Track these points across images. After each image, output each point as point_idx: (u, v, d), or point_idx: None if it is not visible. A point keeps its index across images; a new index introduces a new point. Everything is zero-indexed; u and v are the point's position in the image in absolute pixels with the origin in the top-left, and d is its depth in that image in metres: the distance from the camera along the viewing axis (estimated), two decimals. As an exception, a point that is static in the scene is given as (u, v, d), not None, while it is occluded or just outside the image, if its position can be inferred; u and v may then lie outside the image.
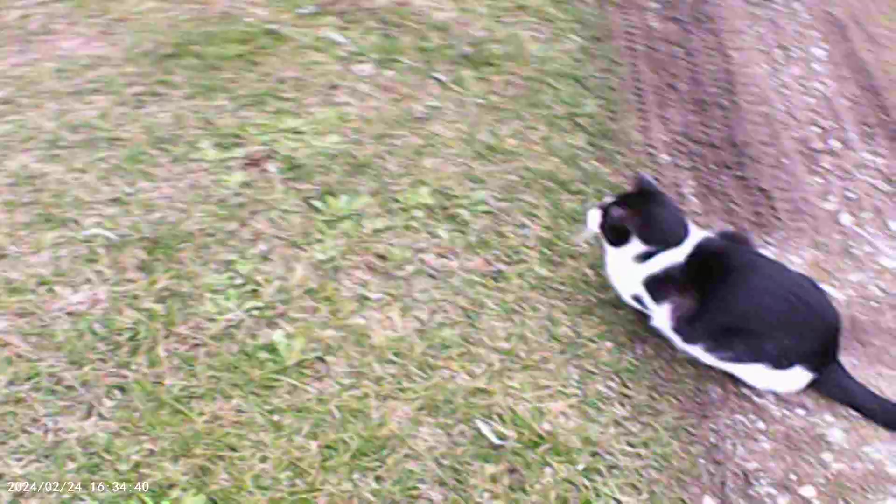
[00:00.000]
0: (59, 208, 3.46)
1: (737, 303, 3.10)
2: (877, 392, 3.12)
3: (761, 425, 3.06)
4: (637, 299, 3.25)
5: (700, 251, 3.14)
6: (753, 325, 3.09)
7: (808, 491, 2.86)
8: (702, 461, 2.93)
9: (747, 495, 2.86)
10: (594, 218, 3.29)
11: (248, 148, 3.76)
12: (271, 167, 3.70)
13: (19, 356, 2.91)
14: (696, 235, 3.11)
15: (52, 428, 2.69)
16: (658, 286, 3.16)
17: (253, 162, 3.69)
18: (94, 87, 4.01)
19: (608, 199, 3.31)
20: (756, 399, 3.16)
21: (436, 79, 4.26)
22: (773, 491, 2.88)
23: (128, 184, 3.58)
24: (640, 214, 3.19)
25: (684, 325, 3.17)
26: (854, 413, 3.14)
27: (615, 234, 3.23)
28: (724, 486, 2.87)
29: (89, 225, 3.39)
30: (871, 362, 3.23)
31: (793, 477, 2.92)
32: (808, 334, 3.11)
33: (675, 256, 3.12)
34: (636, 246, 3.18)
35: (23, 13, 4.45)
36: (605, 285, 3.40)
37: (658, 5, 5.23)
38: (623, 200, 3.25)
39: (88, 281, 3.21)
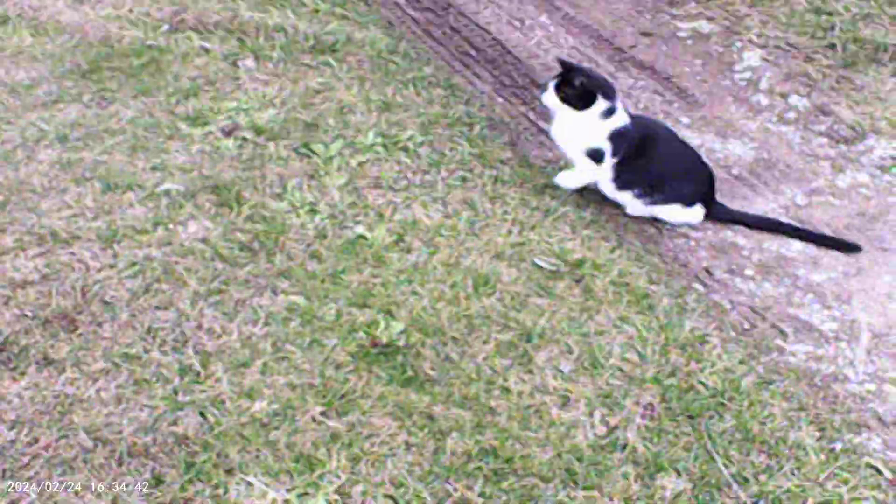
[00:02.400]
0: (118, 178, 4.47)
1: (663, 159, 4.70)
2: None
3: (692, 243, 4.71)
4: (593, 154, 4.67)
5: (632, 118, 4.64)
6: (674, 175, 4.67)
7: (749, 272, 4.55)
8: (675, 266, 4.52)
9: (716, 280, 4.40)
10: (551, 95, 4.64)
11: (217, 124, 5.00)
12: (246, 134, 4.99)
13: (190, 269, 4.09)
14: None
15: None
16: (620, 138, 4.61)
17: (228, 132, 4.97)
18: (52, 99, 5.03)
19: (551, 80, 4.65)
20: (677, 229, 4.76)
21: (306, 64, 5.68)
22: (728, 276, 4.46)
23: (153, 157, 4.69)
24: (595, 78, 4.67)
25: (623, 176, 4.70)
26: (742, 228, 4.82)
27: (582, 99, 4.49)
28: (698, 277, 4.48)
29: (151, 185, 4.52)
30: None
31: (734, 266, 4.52)
32: (702, 181, 4.73)
33: (624, 117, 4.61)
34: (601, 104, 4.59)
35: None
36: (544, 172, 5.03)
37: (404, 1, 6.95)
38: (570, 75, 4.54)
39: (191, 218, 4.32)
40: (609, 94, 4.58)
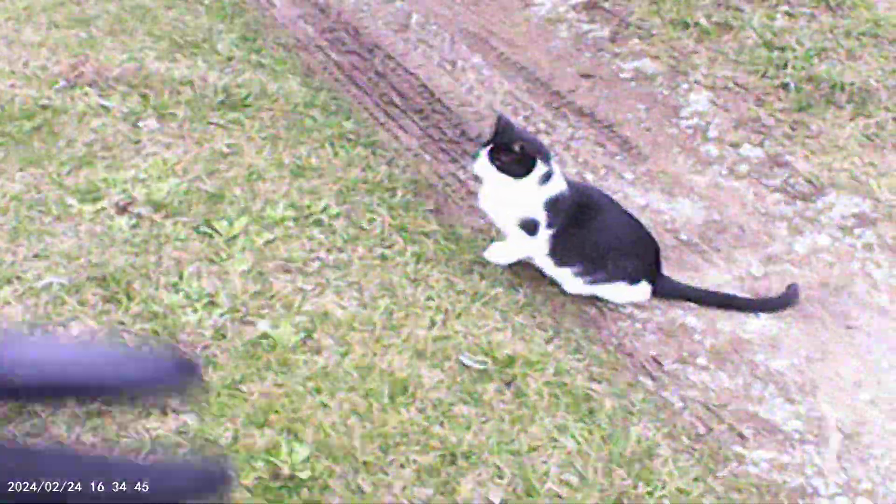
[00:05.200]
0: (-6, 270, 3.95)
1: (605, 231, 4.26)
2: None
3: (639, 325, 4.25)
4: (526, 225, 4.23)
5: (569, 185, 4.21)
6: (617, 250, 4.24)
7: (701, 361, 4.09)
8: (619, 356, 4.06)
9: (666, 372, 3.97)
10: (485, 164, 4.19)
11: (110, 199, 4.43)
12: (142, 210, 4.41)
13: None
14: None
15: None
16: (556, 206, 4.17)
17: (122, 208, 4.40)
18: (-73, 173, 4.49)
19: (482, 148, 4.22)
20: (621, 310, 4.33)
21: (214, 123, 5.11)
22: (679, 366, 4.02)
23: (37, 242, 4.13)
24: (532, 141, 4.25)
25: (560, 250, 4.25)
26: (691, 305, 4.38)
27: (521, 164, 4.08)
28: (645, 368, 4.02)
29: (32, 278, 3.96)
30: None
31: (685, 354, 4.08)
32: (647, 256, 4.30)
33: (561, 182, 4.17)
34: (539, 169, 4.12)
35: None
36: (474, 248, 4.55)
37: (327, 44, 6.37)
38: (506, 138, 4.17)
39: (74, 318, 3.80)
40: (547, 156, 4.14)
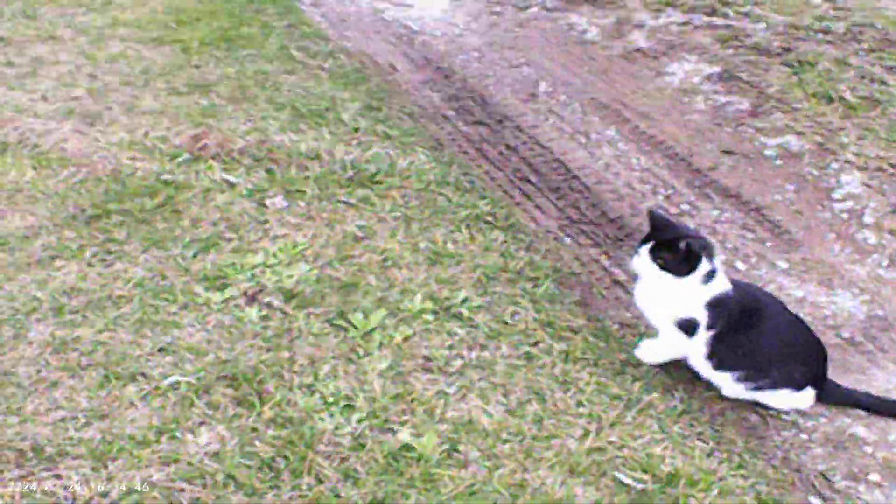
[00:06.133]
0: (119, 365, 3.71)
1: (770, 335, 3.90)
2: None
3: (804, 436, 3.86)
4: (684, 325, 3.90)
5: (733, 284, 3.86)
6: (782, 356, 3.88)
7: (874, 477, 3.68)
8: (785, 472, 3.68)
9: (836, 490, 3.60)
10: (646, 262, 3.87)
11: (238, 286, 4.15)
12: (273, 300, 4.11)
13: (199, 499, 3.23)
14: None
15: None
16: (719, 307, 3.84)
17: (251, 297, 4.11)
18: (49, 255, 4.24)
19: (643, 244, 3.89)
20: (784, 417, 3.95)
21: (344, 202, 4.83)
22: (850, 483, 3.64)
23: (162, 334, 3.87)
24: (696, 237, 3.86)
25: (720, 353, 3.90)
26: (859, 412, 4.00)
27: (685, 263, 3.77)
28: (815, 487, 3.62)
29: (158, 375, 3.66)
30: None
31: (855, 469, 3.69)
32: (813, 361, 3.94)
33: (725, 281, 3.83)
34: (704, 266, 3.79)
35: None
36: (624, 345, 4.17)
37: (454, 113, 6.06)
38: (669, 234, 3.85)
39: (203, 423, 3.52)
40: (711, 253, 3.80)
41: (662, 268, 3.81)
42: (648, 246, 3.83)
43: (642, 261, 3.85)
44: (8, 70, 5.91)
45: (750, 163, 5.52)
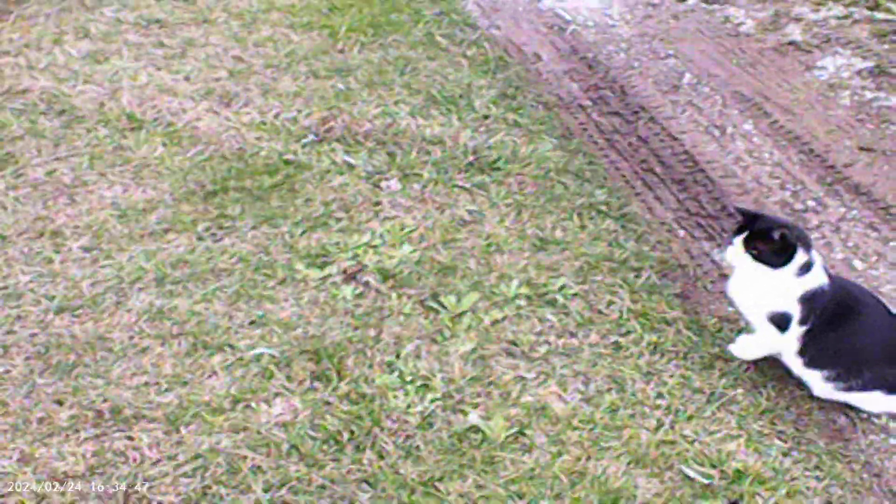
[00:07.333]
0: (209, 336, 3.82)
1: (865, 334, 3.78)
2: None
3: (892, 441, 3.72)
4: (777, 319, 3.80)
5: (830, 278, 3.74)
6: (877, 356, 3.76)
7: (962, 492, 3.48)
8: (865, 477, 3.55)
9: (914, 503, 3.38)
10: (739, 252, 3.78)
11: (339, 264, 4.21)
12: (370, 279, 4.14)
13: (259, 467, 3.28)
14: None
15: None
16: (813, 301, 3.73)
17: (350, 276, 4.16)
18: (163, 228, 4.37)
19: (735, 235, 3.81)
20: (875, 421, 3.82)
21: (459, 186, 4.84)
22: (933, 491, 3.41)
23: (256, 307, 3.96)
24: (793, 227, 3.77)
25: (812, 350, 3.78)
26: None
27: (780, 254, 3.67)
28: (893, 492, 3.49)
29: (244, 347, 3.73)
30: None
31: (942, 481, 3.48)
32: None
33: (821, 274, 3.71)
34: (800, 258, 3.69)
35: (47, 169, 4.78)
36: (718, 339, 4.10)
37: (591, 103, 6.01)
38: (764, 224, 3.76)
39: (278, 394, 3.59)
40: (808, 244, 3.71)
41: (756, 258, 3.72)
42: (742, 236, 3.73)
43: (736, 251, 3.76)
44: (158, 51, 6.11)
45: (888, 160, 5.36)
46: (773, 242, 3.67)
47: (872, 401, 3.82)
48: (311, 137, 5.11)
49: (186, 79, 5.74)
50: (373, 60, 6.10)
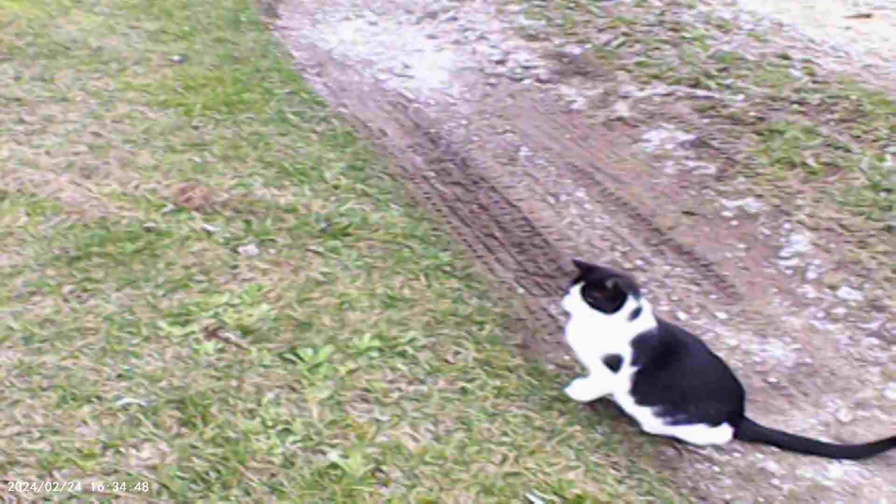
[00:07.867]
0: (77, 388, 4.00)
1: (689, 373, 4.19)
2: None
3: (716, 469, 4.10)
4: (610, 361, 4.16)
5: (658, 322, 4.14)
6: (700, 393, 4.15)
7: (777, 509, 3.83)
8: (693, 500, 3.92)
9: (738, 519, 3.76)
10: (576, 300, 4.16)
11: (201, 322, 4.47)
12: (231, 335, 4.44)
13: None
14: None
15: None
16: (643, 343, 4.10)
17: (211, 332, 4.43)
18: (30, 291, 4.57)
19: (572, 284, 4.19)
20: (701, 452, 4.21)
21: (313, 250, 5.16)
22: (753, 514, 3.78)
23: (122, 363, 4.18)
24: (623, 276, 4.20)
25: (642, 388, 4.17)
26: (774, 448, 4.25)
27: (613, 301, 4.02)
28: (718, 515, 3.86)
29: (112, 398, 3.99)
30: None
31: (760, 500, 3.95)
32: (730, 399, 4.22)
33: (650, 319, 4.11)
34: (631, 303, 4.06)
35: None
36: (556, 384, 4.47)
37: (434, 174, 6.41)
38: (597, 276, 4.16)
39: (147, 440, 3.80)
40: (637, 293, 4.09)
41: (591, 305, 4.08)
42: (579, 286, 4.09)
43: (573, 300, 4.13)
44: (18, 127, 6.28)
45: (708, 223, 5.80)
46: (606, 291, 4.05)
47: (697, 433, 4.19)
48: (169, 207, 5.33)
49: (48, 153, 5.93)
50: (227, 136, 6.37)
